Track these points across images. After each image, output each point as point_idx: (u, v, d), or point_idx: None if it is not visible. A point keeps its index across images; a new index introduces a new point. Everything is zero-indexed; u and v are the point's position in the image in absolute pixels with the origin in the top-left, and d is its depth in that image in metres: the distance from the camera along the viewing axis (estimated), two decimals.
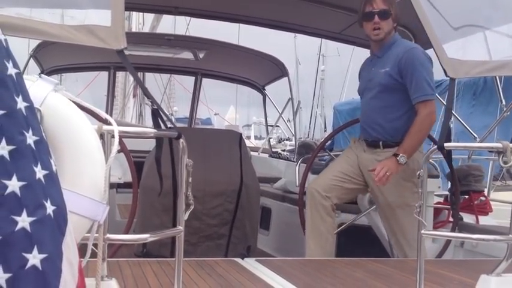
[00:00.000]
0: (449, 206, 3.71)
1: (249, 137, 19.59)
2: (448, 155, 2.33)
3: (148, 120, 11.08)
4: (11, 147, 1.27)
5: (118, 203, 4.79)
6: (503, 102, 4.18)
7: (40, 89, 1.73)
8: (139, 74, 9.63)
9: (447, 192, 3.90)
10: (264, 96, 6.39)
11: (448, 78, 2.43)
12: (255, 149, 6.76)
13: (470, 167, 3.94)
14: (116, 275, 2.06)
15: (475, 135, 4.29)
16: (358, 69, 3.58)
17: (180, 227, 2.18)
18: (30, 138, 1.33)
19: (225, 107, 21.51)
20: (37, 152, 1.35)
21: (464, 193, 3.85)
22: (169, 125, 2.40)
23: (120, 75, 9.59)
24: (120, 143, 3.36)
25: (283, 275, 2.60)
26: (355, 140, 3.48)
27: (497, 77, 4.37)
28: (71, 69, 6.17)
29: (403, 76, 3.11)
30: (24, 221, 1.27)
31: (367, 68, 3.40)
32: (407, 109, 3.16)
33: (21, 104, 1.34)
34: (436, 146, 2.24)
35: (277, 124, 7.10)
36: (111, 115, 6.20)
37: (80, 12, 2.55)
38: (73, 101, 1.82)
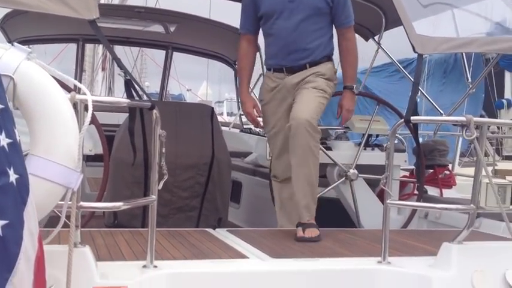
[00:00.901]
0: (415, 180, 3.83)
1: (221, 114, 19.59)
2: (414, 128, 2.43)
3: (118, 94, 10.99)
4: None
5: (88, 176, 4.78)
6: (469, 80, 4.30)
7: (13, 57, 1.74)
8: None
9: (413, 167, 4.02)
10: (236, 71, 6.40)
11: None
12: (226, 124, 6.80)
13: (436, 142, 4.07)
14: (89, 243, 2.10)
15: (442, 112, 4.41)
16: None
17: (154, 196, 2.22)
18: None
19: (198, 83, 21.42)
20: (1, 121, 1.37)
21: (430, 167, 3.98)
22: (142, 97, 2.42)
23: (88, 47, 9.46)
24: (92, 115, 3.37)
25: (254, 243, 2.68)
26: (268, 75, 3.35)
27: (464, 55, 4.49)
28: (38, 40, 6.07)
29: (334, 1, 3.15)
30: None
31: None
32: (331, 33, 3.27)
33: None
34: (402, 120, 2.33)
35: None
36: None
37: None
38: (47, 71, 1.83)
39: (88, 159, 4.36)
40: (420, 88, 4.61)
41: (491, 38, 2.69)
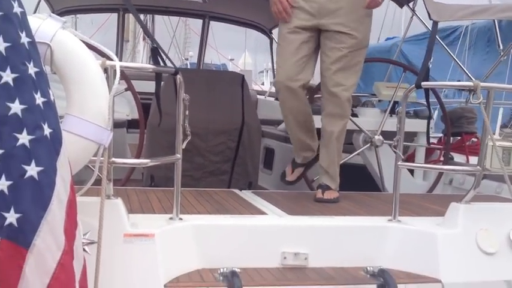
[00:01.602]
0: (440, 146, 3.95)
1: (262, 83, 19.79)
2: (426, 93, 2.56)
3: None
4: (14, 75, 1.54)
5: (129, 142, 5.09)
6: (501, 47, 4.33)
7: (49, 26, 1.98)
8: (148, 16, 9.82)
9: (441, 134, 4.14)
10: (271, 39, 6.56)
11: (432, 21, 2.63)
12: (262, 93, 6.99)
13: (464, 109, 4.15)
14: (123, 198, 2.36)
15: (473, 79, 4.46)
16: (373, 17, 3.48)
17: (178, 155, 2.46)
18: (32, 69, 1.59)
19: (240, 53, 21.57)
20: (37, 82, 1.61)
21: (457, 134, 4.08)
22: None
23: (131, 18, 9.76)
24: (128, 82, 3.63)
25: (275, 203, 2.90)
26: None
27: (496, 21, 4.50)
28: (81, 10, 6.38)
29: None
30: (24, 138, 1.56)
31: None
32: None
33: (24, 39, 1.59)
34: (413, 85, 2.47)
35: None
36: (121, 58, 6.44)
37: None
38: (81, 39, 2.07)
39: (129, 126, 4.66)
40: (454, 56, 4.68)
41: (507, 5, 2.77)
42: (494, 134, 4.84)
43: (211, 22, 6.80)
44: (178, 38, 13.02)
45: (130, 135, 4.92)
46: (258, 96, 6.59)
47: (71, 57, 1.98)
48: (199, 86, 3.98)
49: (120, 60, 6.32)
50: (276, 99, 6.67)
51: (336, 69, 3.08)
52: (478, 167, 2.39)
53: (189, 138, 2.46)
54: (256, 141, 4.22)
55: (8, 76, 1.53)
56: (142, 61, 10.61)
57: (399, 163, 2.52)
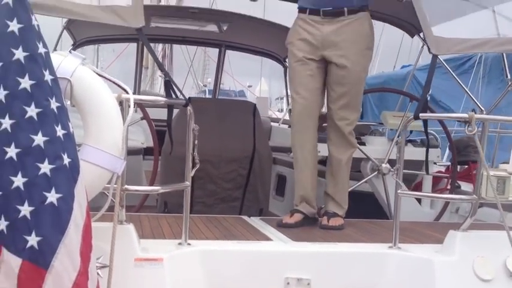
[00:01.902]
0: (447, 175, 4.05)
1: (281, 110, 20.02)
2: (424, 124, 2.70)
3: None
4: (38, 110, 1.73)
5: (145, 169, 5.26)
6: (509, 77, 4.44)
7: (70, 62, 2.17)
8: (167, 45, 10.13)
9: (449, 163, 4.24)
10: (285, 68, 6.75)
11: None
12: (276, 120, 7.16)
13: (471, 138, 4.23)
14: (136, 224, 2.50)
15: (482, 109, 4.57)
16: (389, 44, 3.68)
17: (187, 183, 2.61)
18: (54, 104, 1.78)
19: (257, 78, 21.95)
20: (58, 116, 1.80)
21: (464, 163, 4.18)
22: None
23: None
24: (143, 111, 3.82)
25: (281, 229, 3.03)
26: (302, 18, 3.24)
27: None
28: (101, 40, 6.66)
29: None
30: (45, 167, 1.74)
31: None
32: None
33: (48, 77, 1.78)
34: (412, 117, 2.60)
35: None
36: (139, 85, 6.68)
37: None
38: (98, 74, 2.26)
39: (145, 153, 4.84)
40: (463, 86, 4.80)
41: (506, 38, 2.90)
42: (508, 163, 4.95)
43: (228, 51, 7.02)
44: (197, 64, 13.37)
45: (147, 161, 5.09)
46: (272, 124, 6.75)
47: (89, 92, 2.16)
48: (212, 114, 4.16)
49: (139, 87, 6.62)
50: (290, 126, 6.84)
51: (341, 105, 3.24)
52: (474, 195, 2.50)
53: (197, 166, 2.61)
54: (267, 168, 4.37)
55: (33, 111, 1.72)
56: (160, 88, 10.92)
57: (399, 191, 2.64)
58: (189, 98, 4.25)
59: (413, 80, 7.69)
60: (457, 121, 3.26)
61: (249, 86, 20.38)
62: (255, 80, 21.48)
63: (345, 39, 3.15)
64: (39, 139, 1.74)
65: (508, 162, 5.07)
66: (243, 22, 5.98)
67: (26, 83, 1.72)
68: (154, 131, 3.89)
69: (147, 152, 4.73)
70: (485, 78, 8.66)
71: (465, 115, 2.43)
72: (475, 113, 4.58)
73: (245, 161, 4.21)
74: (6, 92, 1.70)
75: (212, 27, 6.15)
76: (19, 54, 1.71)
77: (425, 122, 2.70)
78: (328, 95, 3.30)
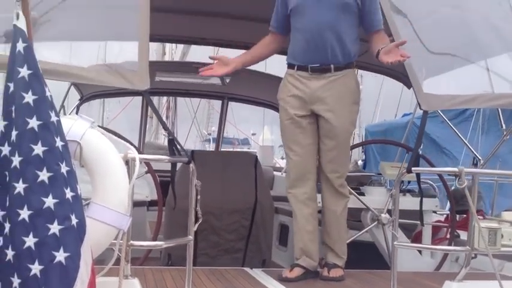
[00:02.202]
0: (446, 224, 4.14)
1: (283, 158, 20.20)
2: (417, 177, 2.82)
3: (181, 138, 11.97)
4: (50, 174, 1.87)
5: (149, 220, 5.36)
6: (504, 127, 4.58)
7: (80, 126, 2.33)
8: (171, 98, 10.44)
9: (448, 212, 4.33)
10: None
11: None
12: (279, 169, 7.29)
13: (469, 188, 4.35)
14: (140, 278, 2.59)
15: (480, 159, 4.70)
16: (391, 93, 3.81)
17: (190, 237, 2.72)
18: (64, 168, 1.92)
19: (260, 126, 22.28)
20: (68, 179, 1.94)
21: (462, 212, 4.27)
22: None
23: (153, 99, 10.34)
24: (148, 165, 3.96)
25: (282, 281, 3.11)
26: (291, 73, 3.36)
27: None
28: (107, 94, 6.88)
29: (364, 1, 3.25)
30: (55, 228, 1.87)
31: None
32: (357, 36, 3.34)
33: (59, 143, 1.93)
34: (405, 170, 2.73)
35: None
36: (144, 137, 6.86)
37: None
38: (107, 131, 2.41)
39: (149, 204, 4.95)
40: (462, 138, 4.96)
41: (494, 95, 3.05)
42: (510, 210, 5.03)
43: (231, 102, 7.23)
44: (202, 114, 13.70)
45: (150, 212, 5.20)
46: (274, 173, 6.88)
47: (98, 153, 2.30)
48: (214, 166, 4.30)
49: (143, 139, 6.78)
50: None
51: (330, 158, 3.36)
52: (468, 246, 2.60)
53: (200, 221, 2.73)
54: (268, 219, 4.47)
55: (44, 175, 1.86)
56: (164, 139, 11.17)
57: (395, 242, 2.74)
58: (192, 151, 4.41)
59: (414, 127, 7.85)
60: (448, 175, 3.37)
61: (253, 134, 20.71)
62: (258, 127, 21.81)
63: (332, 95, 3.27)
64: (49, 201, 1.87)
65: (510, 210, 5.19)
66: (245, 75, 6.19)
67: (39, 149, 1.86)
68: (159, 185, 4.02)
69: (151, 203, 4.84)
70: (484, 126, 8.83)
71: (455, 169, 2.56)
72: (475, 162, 4.75)
73: (247, 212, 4.32)
74: (20, 158, 1.84)
75: (215, 80, 6.36)
76: (33, 123, 1.86)
77: (418, 174, 2.82)
78: (319, 148, 3.41)
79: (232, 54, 6.63)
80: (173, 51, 11.10)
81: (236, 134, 18.82)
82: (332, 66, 3.27)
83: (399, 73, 5.11)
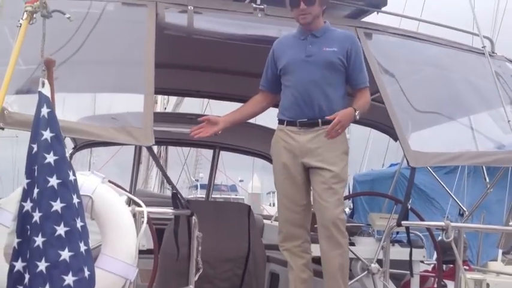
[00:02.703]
0: (433, 274, 4.30)
1: (273, 204, 20.35)
2: (407, 230, 3.00)
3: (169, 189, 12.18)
4: (66, 229, 2.04)
5: (140, 268, 5.44)
6: (487, 180, 4.79)
7: (92, 181, 2.51)
8: (162, 147, 10.66)
9: (435, 262, 4.50)
10: None
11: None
12: (268, 217, 7.43)
13: (455, 238, 4.54)
14: None
15: (465, 210, 4.91)
16: (378, 143, 3.95)
17: (191, 286, 2.86)
18: (79, 224, 2.10)
19: (249, 172, 22.49)
20: (82, 234, 2.11)
21: (450, 262, 4.43)
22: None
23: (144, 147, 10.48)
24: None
25: None
26: (281, 129, 3.49)
27: None
28: (100, 143, 7.03)
29: (349, 60, 3.40)
30: (69, 279, 2.04)
31: (296, 45, 3.49)
32: (344, 92, 3.47)
33: (75, 200, 2.11)
34: (395, 223, 2.91)
35: None
36: (135, 185, 6.99)
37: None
38: (116, 186, 2.59)
39: (141, 252, 5.04)
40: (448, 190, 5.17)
41: (477, 152, 3.29)
42: (496, 260, 5.20)
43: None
44: (189, 161, 13.94)
45: (141, 260, 5.30)
46: (264, 221, 7.02)
47: (108, 208, 2.48)
48: (209, 216, 4.45)
49: (135, 187, 6.91)
50: None
51: (326, 206, 3.39)
52: None
53: (201, 271, 2.87)
54: (261, 267, 4.60)
55: (62, 229, 2.03)
56: (154, 185, 11.36)
57: None
58: (188, 200, 4.57)
59: (401, 177, 8.07)
60: (436, 228, 3.54)
61: (241, 181, 20.90)
62: (246, 173, 22.01)
63: (321, 146, 3.38)
64: (65, 254, 2.04)
65: (496, 260, 5.37)
66: (237, 126, 6.41)
67: (57, 205, 2.04)
68: (155, 234, 4.14)
69: (142, 251, 4.93)
70: (470, 176, 9.06)
71: (442, 223, 2.75)
72: (461, 213, 4.94)
73: (240, 261, 4.45)
74: (40, 213, 2.01)
75: None
76: (53, 181, 2.04)
77: (407, 228, 3.00)
78: (313, 200, 3.48)
79: (225, 106, 6.90)
80: (165, 101, 11.42)
81: (224, 180, 19.01)
82: (320, 120, 3.39)
83: (386, 126, 5.36)
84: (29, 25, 2.46)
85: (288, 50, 3.50)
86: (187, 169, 13.76)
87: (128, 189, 5.97)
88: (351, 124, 3.71)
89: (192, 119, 6.34)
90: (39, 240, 2.00)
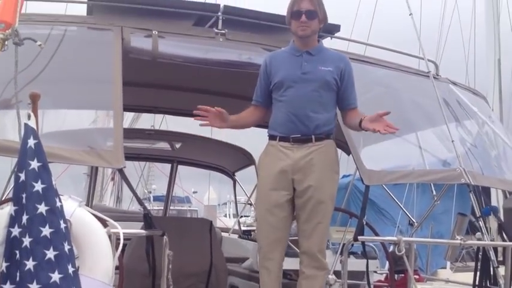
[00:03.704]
0: (386, 284, 4.61)
1: (228, 216, 20.48)
2: (362, 245, 3.27)
3: (126, 200, 12.21)
4: (56, 252, 2.21)
5: None
6: (434, 193, 5.16)
7: (70, 205, 2.65)
8: None
9: (387, 271, 4.82)
10: (234, 181, 7.35)
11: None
12: (226, 230, 7.63)
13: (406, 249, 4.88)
14: None
15: (414, 221, 5.26)
16: None
17: None
18: (66, 247, 2.27)
19: (203, 184, 22.57)
20: (70, 256, 2.28)
21: (401, 272, 4.76)
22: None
23: None
24: None
25: None
26: (273, 144, 3.49)
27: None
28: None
29: (342, 81, 3.50)
30: None
31: (291, 60, 3.52)
32: (335, 112, 3.54)
33: (62, 225, 2.27)
34: (352, 238, 3.18)
35: (249, 202, 7.96)
36: (92, 199, 7.07)
37: None
38: (94, 208, 2.74)
39: None
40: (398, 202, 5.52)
41: (424, 170, 3.61)
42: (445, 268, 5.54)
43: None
44: (141, 172, 14.00)
45: None
46: (223, 234, 7.21)
47: (86, 230, 2.63)
48: (172, 232, 4.62)
49: (91, 202, 6.98)
50: (239, 236, 7.31)
51: (310, 231, 3.40)
52: None
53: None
54: (223, 281, 4.80)
55: (51, 253, 2.20)
56: (109, 200, 11.39)
57: None
58: (150, 217, 4.73)
59: (354, 189, 8.40)
60: (389, 243, 3.83)
61: (194, 192, 20.97)
62: (201, 184, 22.12)
63: (314, 164, 3.38)
64: (55, 276, 2.20)
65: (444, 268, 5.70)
66: (194, 141, 6.62)
67: (46, 231, 2.20)
68: (120, 250, 4.28)
69: None
70: (419, 187, 9.48)
71: (394, 238, 3.04)
72: (411, 223, 5.28)
73: (203, 275, 4.64)
74: (31, 239, 2.17)
75: (165, 146, 6.74)
76: (42, 208, 2.20)
77: (363, 242, 3.27)
78: (297, 220, 3.47)
79: (182, 122, 7.07)
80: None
81: (178, 192, 19.06)
82: (313, 136, 3.42)
83: (338, 140, 5.66)
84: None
85: (283, 65, 3.52)
86: (144, 181, 13.80)
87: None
88: None
89: (151, 134, 6.52)
90: (30, 264, 2.15)
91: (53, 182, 2.27)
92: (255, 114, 3.65)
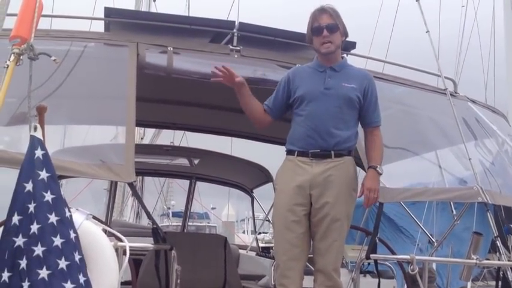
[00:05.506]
0: None
1: (246, 232, 20.37)
2: (375, 263, 3.19)
3: (145, 218, 12.23)
4: (67, 262, 2.19)
5: None
6: (454, 212, 5.04)
7: (77, 218, 2.64)
8: (139, 178, 10.75)
9: None
10: (252, 198, 7.31)
11: None
12: (244, 247, 7.57)
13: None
14: None
15: (434, 241, 5.14)
16: None
17: None
18: (77, 257, 2.25)
19: (221, 200, 22.58)
20: (81, 266, 2.27)
21: None
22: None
23: None
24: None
25: None
26: (291, 159, 3.41)
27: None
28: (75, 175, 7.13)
29: (365, 99, 3.44)
30: None
31: (315, 76, 3.47)
32: (356, 130, 3.46)
33: (72, 235, 2.26)
34: (364, 257, 3.11)
35: (267, 219, 7.89)
36: (111, 216, 7.09)
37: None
38: (100, 221, 2.73)
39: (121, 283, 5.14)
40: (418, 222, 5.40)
41: (440, 189, 3.53)
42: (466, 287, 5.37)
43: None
44: (160, 188, 14.07)
45: None
46: (240, 251, 7.16)
47: (92, 243, 2.62)
48: (186, 248, 4.60)
49: (110, 217, 7.00)
50: (257, 254, 7.25)
51: (325, 248, 3.31)
52: None
53: None
54: None
55: (63, 263, 2.20)
56: (129, 216, 11.42)
57: None
58: (165, 232, 4.71)
59: (373, 207, 8.29)
60: (401, 262, 3.72)
61: (213, 208, 20.95)
62: (220, 200, 22.11)
63: (332, 181, 3.30)
64: (68, 286, 2.19)
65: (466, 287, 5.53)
66: (213, 158, 6.61)
67: (58, 241, 2.19)
68: (133, 266, 4.27)
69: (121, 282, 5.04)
70: (439, 205, 9.32)
71: (407, 257, 2.95)
72: (430, 242, 5.15)
73: None
74: (44, 248, 2.16)
75: (184, 161, 6.75)
76: (52, 218, 2.19)
77: (375, 261, 3.19)
78: (312, 238, 3.38)
79: (201, 138, 7.08)
80: (141, 132, 11.59)
81: (196, 208, 19.09)
82: (332, 152, 3.35)
83: (357, 159, 5.60)
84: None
85: (306, 80, 3.47)
86: (163, 197, 13.83)
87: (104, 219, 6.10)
88: None
89: (169, 150, 6.53)
90: (44, 273, 2.15)
91: (62, 193, 2.27)
92: (262, 112, 3.54)
